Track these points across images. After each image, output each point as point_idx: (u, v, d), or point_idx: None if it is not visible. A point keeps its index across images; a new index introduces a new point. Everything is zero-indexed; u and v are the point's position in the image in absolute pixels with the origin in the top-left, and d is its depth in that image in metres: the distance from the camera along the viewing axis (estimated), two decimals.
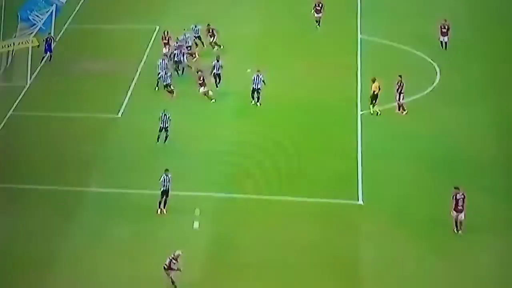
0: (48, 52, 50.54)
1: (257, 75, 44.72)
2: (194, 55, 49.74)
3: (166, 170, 36.49)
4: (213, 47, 50.41)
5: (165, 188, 36.41)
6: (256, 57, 49.46)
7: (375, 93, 43.26)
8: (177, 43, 49.03)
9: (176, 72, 47.92)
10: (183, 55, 48.27)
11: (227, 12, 55.86)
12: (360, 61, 49.36)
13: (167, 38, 49.94)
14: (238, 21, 54.59)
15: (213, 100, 45.42)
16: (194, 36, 50.47)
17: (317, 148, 41.45)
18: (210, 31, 50.66)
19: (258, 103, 45.09)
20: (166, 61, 47.24)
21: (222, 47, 50.34)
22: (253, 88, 44.81)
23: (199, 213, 35.53)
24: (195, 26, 50.59)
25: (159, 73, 46.38)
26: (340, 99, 45.72)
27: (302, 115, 44.27)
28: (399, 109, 43.56)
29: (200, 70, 46.36)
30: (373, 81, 43.39)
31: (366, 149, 41.08)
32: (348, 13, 54.97)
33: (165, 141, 41.67)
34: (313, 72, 48.21)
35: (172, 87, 45.95)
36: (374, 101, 43.56)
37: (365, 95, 44.55)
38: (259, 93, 44.91)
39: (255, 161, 40.60)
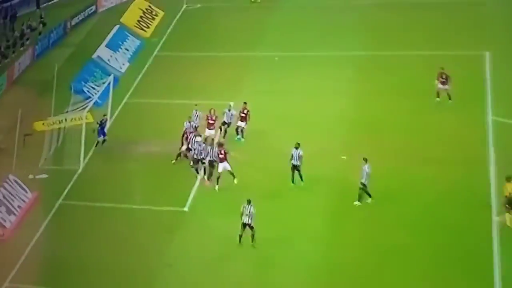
0: (102, 136, 43.85)
1: (365, 169, 36.08)
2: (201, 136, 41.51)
3: None
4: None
5: None
6: (353, 140, 41.72)
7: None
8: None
9: None
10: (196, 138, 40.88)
11: (314, 86, 48.04)
12: (492, 150, 40.03)
13: (213, 118, 42.84)
14: (328, 97, 46.41)
15: (216, 187, 38.70)
16: (224, 122, 43.26)
17: (442, 264, 32.44)
18: (245, 112, 42.96)
19: (358, 202, 36.78)
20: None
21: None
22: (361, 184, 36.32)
23: None
24: (229, 110, 43.34)
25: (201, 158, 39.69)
26: (468, 199, 36.30)
27: (420, 220, 35.25)
28: None
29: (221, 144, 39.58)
30: (509, 180, 34.57)
31: (507, 273, 31.80)
32: (474, 88, 45.79)
33: (252, 240, 34.70)
34: (431, 162, 39.19)
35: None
36: (510, 207, 34.39)
37: (500, 195, 35.36)
38: (365, 189, 36.41)
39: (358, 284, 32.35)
